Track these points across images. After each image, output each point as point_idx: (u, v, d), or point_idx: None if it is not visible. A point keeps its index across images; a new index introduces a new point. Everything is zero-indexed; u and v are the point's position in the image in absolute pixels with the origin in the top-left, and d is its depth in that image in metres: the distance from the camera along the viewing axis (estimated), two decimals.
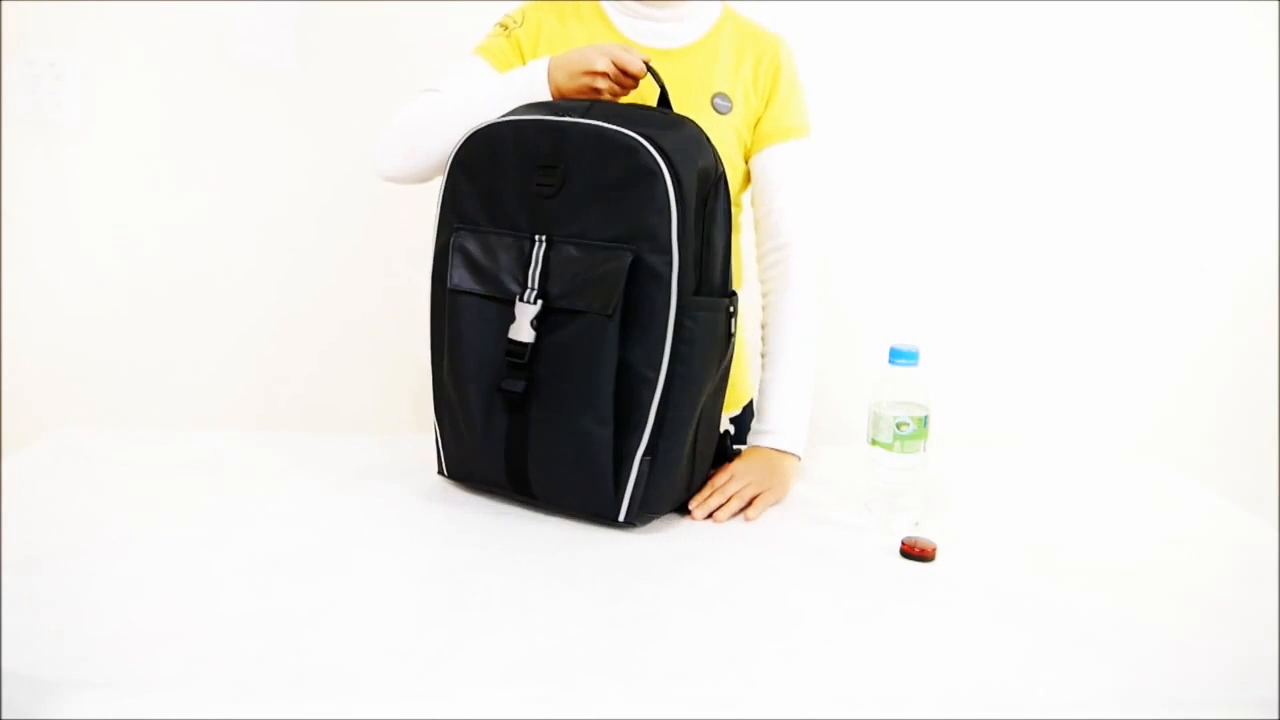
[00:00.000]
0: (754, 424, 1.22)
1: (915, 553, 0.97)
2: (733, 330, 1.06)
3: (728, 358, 1.07)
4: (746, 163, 1.27)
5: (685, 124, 1.04)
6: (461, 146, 1.07)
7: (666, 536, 1.02)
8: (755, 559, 0.97)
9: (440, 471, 1.13)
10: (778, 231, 1.25)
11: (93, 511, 1.01)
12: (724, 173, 1.05)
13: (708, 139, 1.05)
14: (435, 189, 1.11)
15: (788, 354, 1.22)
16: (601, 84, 1.08)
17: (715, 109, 1.22)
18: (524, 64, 1.22)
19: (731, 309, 1.06)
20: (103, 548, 0.92)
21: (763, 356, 1.25)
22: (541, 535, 1.00)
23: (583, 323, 0.98)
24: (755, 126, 1.26)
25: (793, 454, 1.18)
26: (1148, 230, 1.94)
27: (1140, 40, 1.88)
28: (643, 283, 0.97)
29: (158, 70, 1.81)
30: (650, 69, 1.10)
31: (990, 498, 1.18)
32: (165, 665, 0.72)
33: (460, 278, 1.06)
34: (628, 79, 1.09)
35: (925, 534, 1.01)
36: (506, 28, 1.24)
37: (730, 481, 1.10)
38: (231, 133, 1.84)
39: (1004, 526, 1.08)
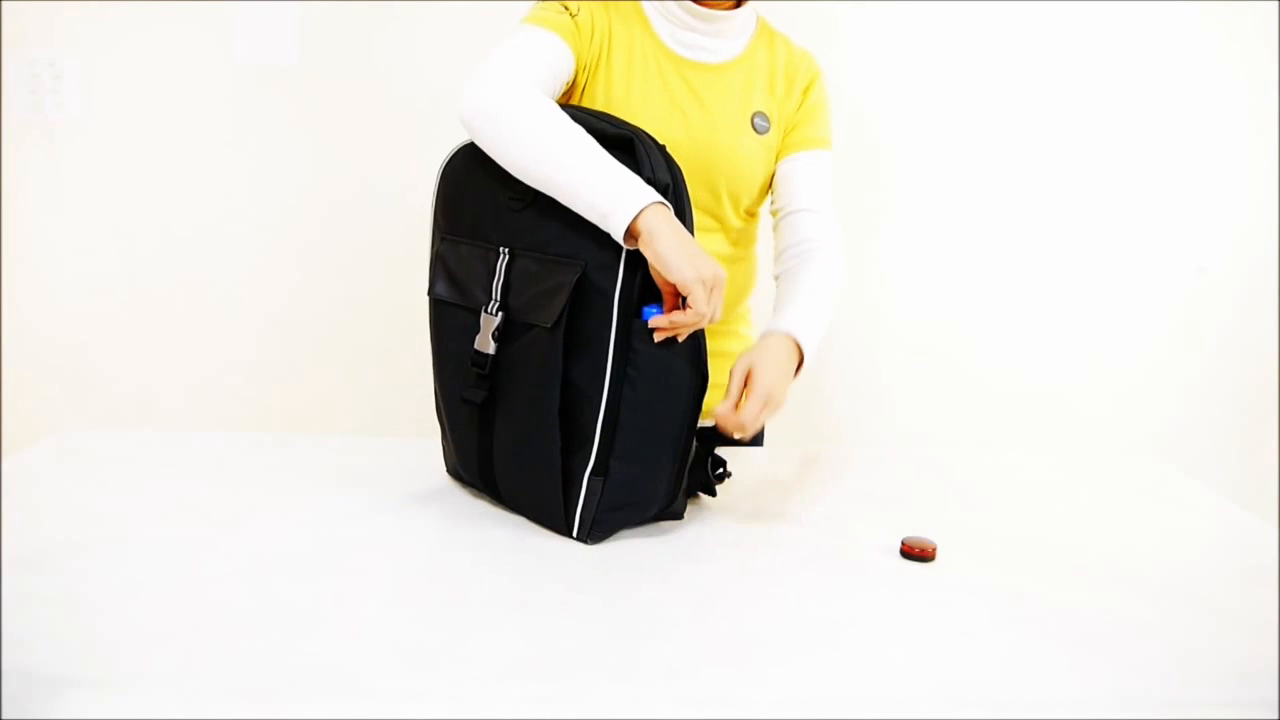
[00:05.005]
0: (771, 322, 1.15)
1: (915, 553, 0.97)
2: (703, 357, 1.00)
3: (699, 387, 1.01)
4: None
5: (637, 138, 0.99)
6: (450, 160, 1.08)
7: (667, 537, 1.02)
8: (755, 559, 0.97)
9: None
10: (800, 229, 1.23)
11: (93, 511, 1.01)
12: (673, 188, 0.97)
13: (663, 154, 1.00)
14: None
15: (807, 282, 1.17)
16: (680, 319, 0.94)
17: (755, 129, 1.22)
18: (581, 61, 1.15)
19: (700, 336, 0.99)
20: (103, 548, 0.92)
21: (775, 305, 1.19)
22: (541, 535, 1.00)
23: (532, 335, 0.98)
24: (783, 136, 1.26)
25: (802, 351, 1.11)
26: (1146, 231, 1.94)
27: (1138, 40, 1.88)
28: (589, 299, 0.95)
29: (158, 69, 1.81)
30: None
31: (990, 498, 1.18)
32: (165, 665, 0.72)
33: (441, 288, 1.07)
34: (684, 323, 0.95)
35: (925, 534, 1.01)
36: (566, 10, 1.14)
37: (754, 398, 1.02)
38: (233, 132, 1.84)
39: (1004, 526, 1.08)
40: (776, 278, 1.25)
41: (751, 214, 1.28)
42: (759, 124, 1.22)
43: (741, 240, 1.28)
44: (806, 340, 1.11)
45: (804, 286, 1.19)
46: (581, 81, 1.16)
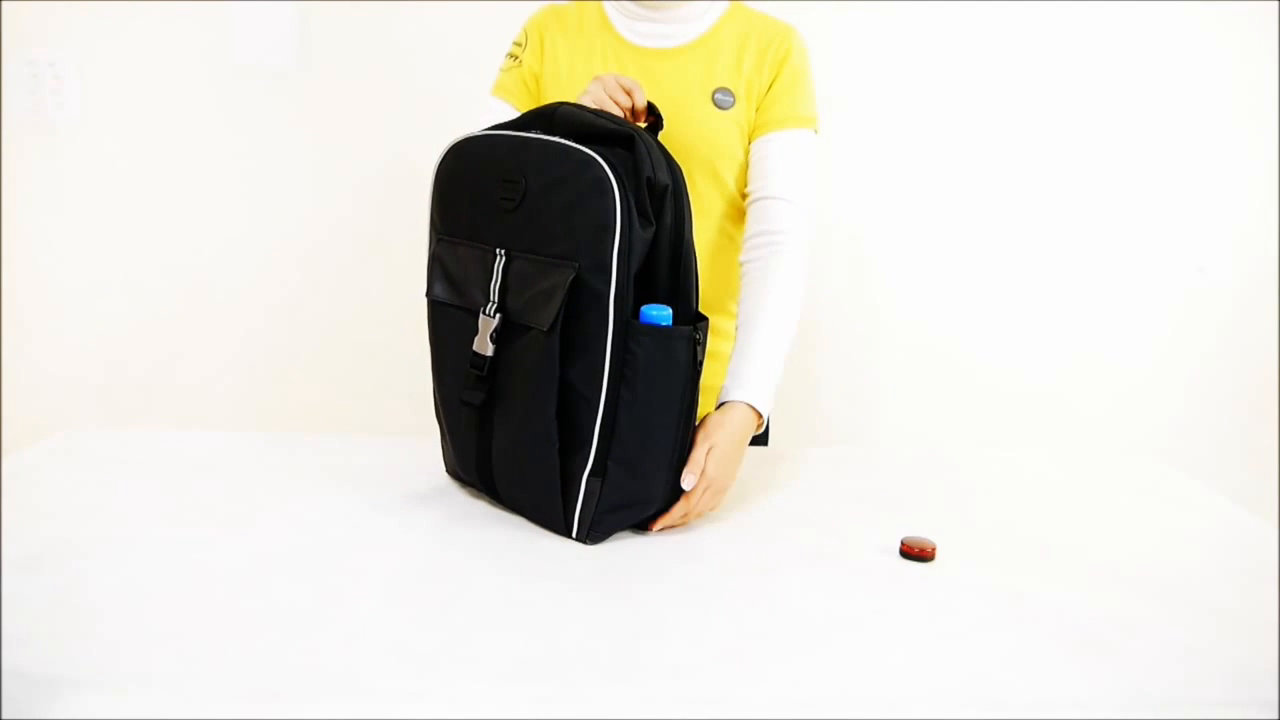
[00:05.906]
0: (726, 382, 1.14)
1: (915, 553, 0.97)
2: (699, 359, 1.00)
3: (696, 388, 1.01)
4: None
5: (638, 136, 0.98)
6: (442, 160, 1.07)
7: (667, 537, 1.02)
8: (754, 559, 0.97)
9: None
10: (768, 218, 1.20)
11: (93, 511, 1.01)
12: (672, 189, 0.98)
13: (664, 154, 1.00)
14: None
15: (766, 319, 1.15)
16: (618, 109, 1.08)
17: (716, 104, 1.21)
18: (537, 89, 1.25)
19: (698, 337, 0.99)
20: (103, 548, 0.92)
21: (738, 329, 1.17)
22: (541, 535, 1.00)
23: (529, 338, 0.97)
24: (756, 114, 1.24)
25: (758, 414, 1.11)
26: (1146, 231, 1.94)
27: (1138, 40, 1.88)
28: (584, 301, 0.94)
29: (158, 70, 1.81)
30: (651, 107, 1.11)
31: (990, 497, 1.18)
32: (165, 665, 0.73)
33: (439, 289, 1.07)
34: (634, 108, 1.10)
35: (925, 534, 1.01)
36: (515, 57, 1.26)
37: (709, 493, 1.05)
38: (232, 133, 1.84)
39: (1004, 526, 1.08)
40: (742, 264, 1.22)
41: (744, 195, 1.27)
42: (720, 99, 1.21)
43: (739, 221, 1.27)
44: (764, 402, 1.11)
45: (762, 322, 1.15)
46: (551, 96, 1.21)
